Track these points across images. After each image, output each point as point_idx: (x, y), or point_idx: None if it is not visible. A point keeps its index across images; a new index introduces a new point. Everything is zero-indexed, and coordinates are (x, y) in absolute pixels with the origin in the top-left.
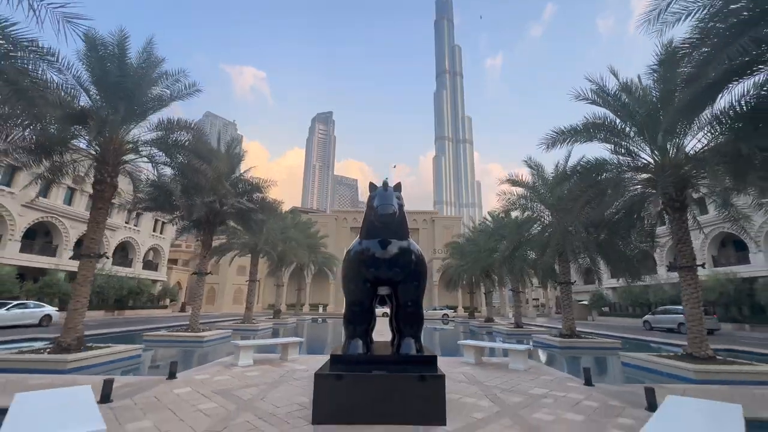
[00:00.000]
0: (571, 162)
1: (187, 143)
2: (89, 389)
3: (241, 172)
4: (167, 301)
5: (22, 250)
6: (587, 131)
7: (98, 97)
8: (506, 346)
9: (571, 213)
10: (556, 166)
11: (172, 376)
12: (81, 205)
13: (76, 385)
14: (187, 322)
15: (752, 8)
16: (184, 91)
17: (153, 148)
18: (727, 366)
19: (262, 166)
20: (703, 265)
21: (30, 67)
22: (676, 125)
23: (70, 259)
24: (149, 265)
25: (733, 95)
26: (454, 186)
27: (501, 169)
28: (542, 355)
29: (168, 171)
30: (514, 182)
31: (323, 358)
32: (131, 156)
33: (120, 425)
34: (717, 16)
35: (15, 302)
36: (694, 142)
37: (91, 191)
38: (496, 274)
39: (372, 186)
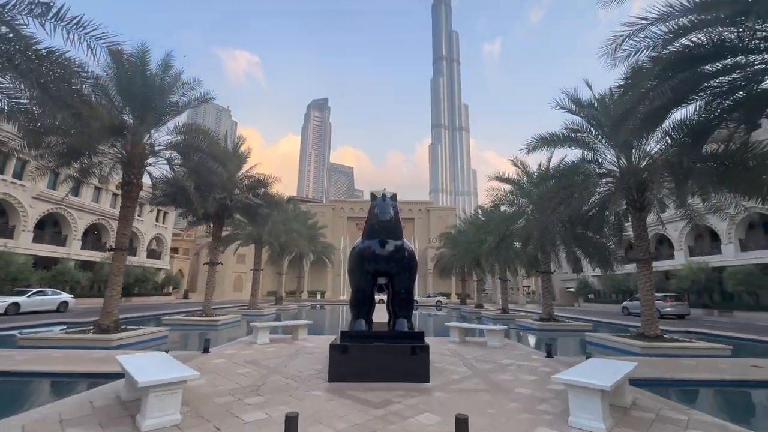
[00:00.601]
0: (554, 162)
1: (203, 146)
2: (166, 354)
3: (247, 168)
4: (170, 288)
5: (35, 240)
6: (562, 139)
7: (125, 108)
8: (485, 327)
9: (546, 211)
10: (539, 165)
11: (206, 350)
12: (88, 197)
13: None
14: (197, 308)
15: (679, 53)
16: (199, 99)
17: (173, 152)
18: (669, 343)
19: (257, 153)
20: (656, 258)
21: (79, 88)
22: (631, 139)
23: (81, 249)
24: (152, 253)
25: (684, 113)
26: (450, 174)
27: (497, 157)
28: (520, 336)
29: (183, 170)
30: (501, 179)
31: (327, 338)
32: (153, 159)
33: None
34: (654, 58)
35: (35, 290)
36: (654, 150)
37: (97, 184)
38: (485, 263)
39: (373, 196)
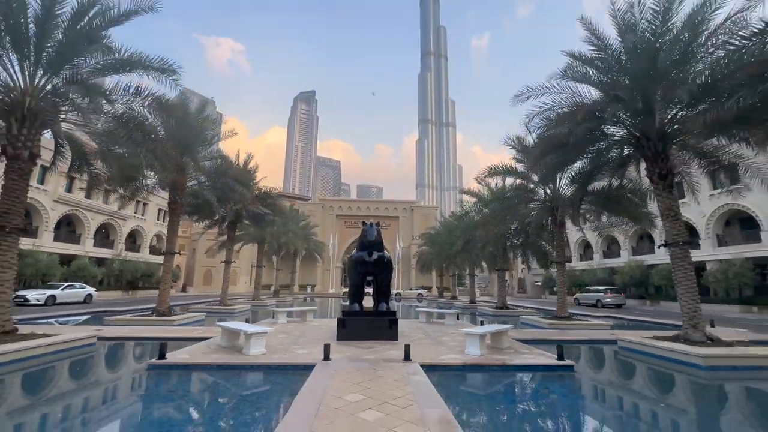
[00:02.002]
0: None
1: (229, 172)
2: (246, 322)
3: (256, 181)
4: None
5: (55, 239)
6: (507, 171)
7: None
8: (443, 311)
9: (490, 225)
10: (495, 185)
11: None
12: (99, 199)
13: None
14: (209, 300)
15: (567, 133)
16: (226, 134)
17: (204, 176)
18: (570, 321)
19: (242, 145)
20: (569, 260)
21: (153, 138)
22: (547, 178)
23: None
24: (153, 249)
25: (582, 163)
26: (436, 169)
27: (483, 152)
28: (477, 318)
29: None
30: (467, 192)
31: (328, 320)
32: (191, 182)
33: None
34: (546, 137)
35: (67, 284)
36: (564, 186)
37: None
38: (457, 261)
39: (364, 223)
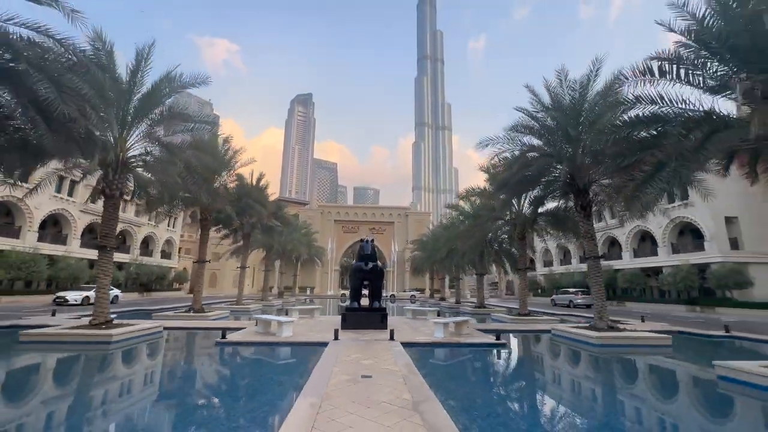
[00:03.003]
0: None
1: (252, 194)
2: (276, 315)
3: (270, 198)
4: (179, 284)
5: (81, 245)
6: (478, 192)
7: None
8: (425, 309)
9: (466, 237)
10: (473, 201)
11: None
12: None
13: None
14: (228, 300)
15: (515, 172)
16: (245, 162)
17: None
18: (528, 317)
19: (239, 146)
20: (530, 268)
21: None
22: (506, 204)
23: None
24: (164, 254)
25: (536, 191)
26: (432, 173)
27: (478, 155)
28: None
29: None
30: (450, 206)
31: (331, 317)
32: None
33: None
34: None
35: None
36: (524, 207)
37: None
38: (444, 266)
39: (362, 240)
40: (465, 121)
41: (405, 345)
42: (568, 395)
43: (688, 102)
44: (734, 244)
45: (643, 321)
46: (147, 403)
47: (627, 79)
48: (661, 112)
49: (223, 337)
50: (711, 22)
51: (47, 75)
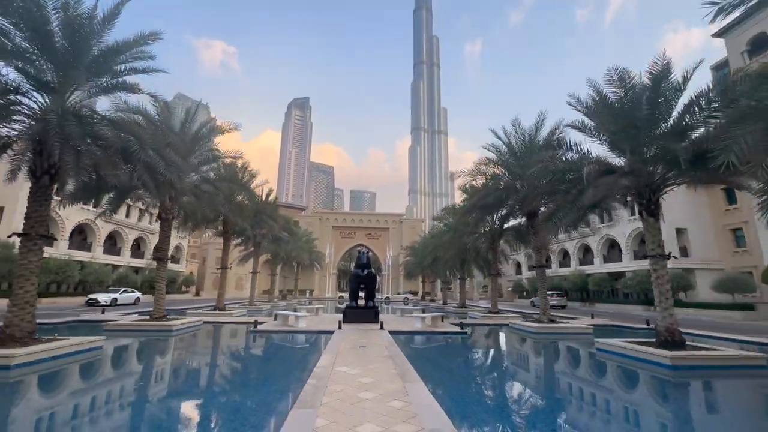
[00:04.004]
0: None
1: (271, 214)
2: (294, 311)
3: (278, 211)
4: (187, 287)
5: (104, 252)
6: (454, 210)
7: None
8: (412, 308)
9: (444, 248)
10: (448, 221)
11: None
12: (134, 217)
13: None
14: (241, 301)
15: (479, 198)
16: (260, 183)
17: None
18: (497, 314)
19: (235, 147)
20: (499, 274)
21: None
22: (478, 223)
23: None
24: (173, 259)
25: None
26: (428, 176)
27: (475, 157)
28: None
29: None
30: (436, 218)
31: (332, 315)
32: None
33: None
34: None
35: (123, 289)
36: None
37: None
38: (433, 270)
39: (359, 252)
40: (461, 123)
41: (391, 332)
42: (493, 357)
43: (589, 152)
44: (684, 251)
45: (592, 317)
46: (225, 361)
47: (558, 130)
48: (572, 158)
49: (255, 326)
50: (594, 109)
51: (155, 150)
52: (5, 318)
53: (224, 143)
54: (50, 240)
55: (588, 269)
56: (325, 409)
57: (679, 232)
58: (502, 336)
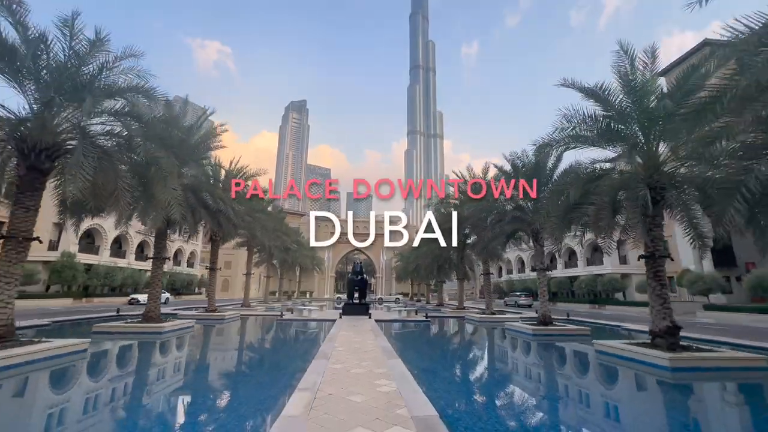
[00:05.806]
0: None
1: (279, 227)
2: (302, 306)
3: (287, 222)
4: (200, 289)
5: (135, 258)
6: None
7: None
8: (399, 306)
9: (423, 257)
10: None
11: (290, 311)
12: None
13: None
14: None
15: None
16: (270, 200)
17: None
18: (462, 310)
19: (232, 149)
20: (468, 278)
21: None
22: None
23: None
24: (188, 264)
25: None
26: (424, 180)
27: (471, 160)
28: (426, 312)
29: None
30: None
31: (332, 311)
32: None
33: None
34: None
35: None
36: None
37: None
38: (415, 275)
39: (355, 263)
40: (457, 125)
41: (377, 321)
42: (436, 332)
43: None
44: (623, 259)
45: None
46: (267, 336)
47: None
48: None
49: (281, 316)
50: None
51: (209, 193)
52: None
53: (221, 148)
54: (34, 240)
55: (552, 273)
56: (335, 353)
57: (620, 243)
58: (449, 322)
